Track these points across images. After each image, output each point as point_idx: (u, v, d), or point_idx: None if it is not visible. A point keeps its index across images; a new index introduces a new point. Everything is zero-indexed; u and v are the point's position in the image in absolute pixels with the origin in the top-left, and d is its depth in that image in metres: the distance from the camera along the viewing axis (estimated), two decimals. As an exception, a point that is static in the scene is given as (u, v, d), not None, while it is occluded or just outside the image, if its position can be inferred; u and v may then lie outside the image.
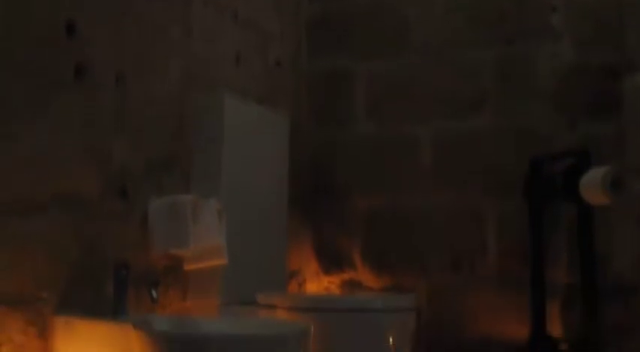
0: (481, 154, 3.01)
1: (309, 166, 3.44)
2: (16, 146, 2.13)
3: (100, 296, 2.27)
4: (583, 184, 2.51)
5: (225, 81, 2.93)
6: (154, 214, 2.48)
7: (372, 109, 3.38)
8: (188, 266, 2.58)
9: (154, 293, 2.28)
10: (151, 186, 2.54)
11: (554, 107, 2.87)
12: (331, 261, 3.42)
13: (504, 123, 2.96)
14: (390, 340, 2.56)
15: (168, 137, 2.66)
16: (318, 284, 3.43)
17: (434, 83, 3.19)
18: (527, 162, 2.80)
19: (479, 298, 2.94)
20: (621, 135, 2.58)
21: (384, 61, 3.34)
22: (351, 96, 3.45)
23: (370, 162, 3.35)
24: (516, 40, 3.01)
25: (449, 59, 3.17)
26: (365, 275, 3.31)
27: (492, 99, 3.02)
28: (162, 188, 2.57)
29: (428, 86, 3.21)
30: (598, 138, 2.71)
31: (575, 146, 2.74)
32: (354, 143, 3.41)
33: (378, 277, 3.26)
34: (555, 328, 2.74)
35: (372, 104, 3.38)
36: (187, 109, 2.74)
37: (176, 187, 2.63)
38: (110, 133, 2.43)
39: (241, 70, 3.03)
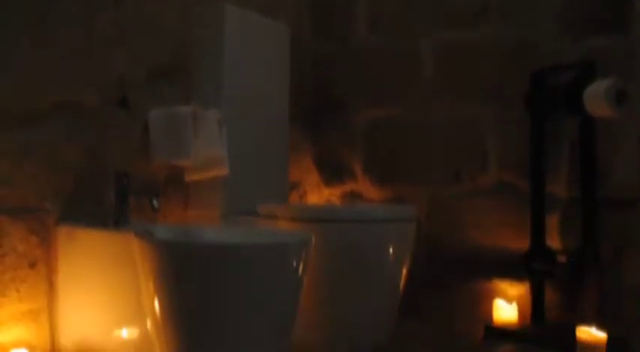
0: (483, 67, 2.97)
1: (310, 78, 3.41)
2: (16, 56, 2.12)
3: (102, 205, 2.28)
4: (586, 96, 2.49)
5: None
6: (154, 125, 2.47)
7: (373, 21, 3.33)
8: (189, 177, 2.59)
9: (155, 203, 2.29)
10: (152, 97, 2.52)
11: (559, 20, 2.81)
12: (332, 172, 3.43)
13: (508, 35, 2.91)
14: (390, 250, 2.58)
15: (169, 47, 2.63)
16: (319, 195, 3.45)
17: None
18: (529, 74, 2.77)
19: (479, 210, 2.95)
20: (629, 48, 2.54)
21: (386, -29, 3.28)
22: (352, 7, 3.39)
23: (371, 75, 3.32)
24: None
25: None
26: (365, 187, 3.32)
27: (496, 10, 2.96)
28: (163, 98, 2.55)
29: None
30: (603, 51, 2.67)
31: (580, 59, 2.71)
32: (355, 55, 3.37)
33: (379, 188, 3.27)
34: (554, 240, 2.75)
35: (373, 15, 3.33)
36: (188, 19, 2.70)
37: (177, 98, 2.61)
38: (110, 43, 2.40)
39: (241, -20, 2.98)
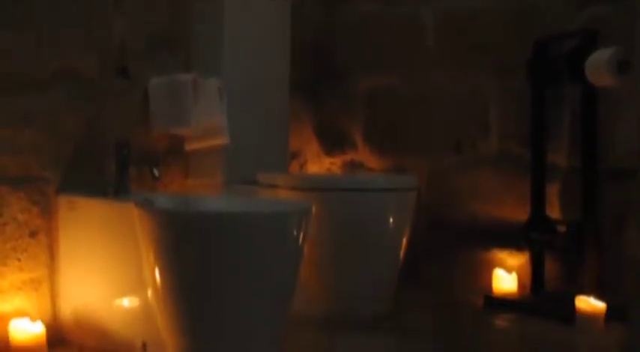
0: (485, 35, 2.95)
1: (310, 46, 3.39)
2: (16, 24, 2.10)
3: (102, 175, 2.28)
4: (588, 65, 2.47)
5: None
6: (154, 93, 2.46)
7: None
8: (189, 146, 2.58)
9: (156, 172, 2.29)
10: (152, 65, 2.51)
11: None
12: (333, 142, 3.42)
13: (509, 2, 2.89)
14: (390, 219, 2.59)
15: (169, 16, 2.61)
16: (320, 165, 3.44)
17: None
18: (531, 43, 2.75)
19: (479, 179, 2.95)
20: (631, 16, 2.52)
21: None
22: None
23: (372, 43, 3.30)
24: None
25: None
26: (366, 156, 3.31)
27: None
28: (163, 67, 2.54)
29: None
30: (606, 19, 2.65)
31: (582, 28, 2.69)
32: (356, 23, 3.35)
33: (380, 158, 3.27)
34: (554, 210, 2.76)
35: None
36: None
37: (177, 67, 2.60)
38: (110, 11, 2.39)
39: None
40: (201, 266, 1.77)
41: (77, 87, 2.27)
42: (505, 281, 2.77)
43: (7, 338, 2.02)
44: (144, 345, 2.03)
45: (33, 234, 2.16)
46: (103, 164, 2.29)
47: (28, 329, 2.02)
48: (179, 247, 1.82)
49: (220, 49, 2.70)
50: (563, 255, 2.73)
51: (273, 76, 2.97)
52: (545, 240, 2.71)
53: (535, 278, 2.73)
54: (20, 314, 2.08)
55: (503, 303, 2.69)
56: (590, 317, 2.36)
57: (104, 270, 2.12)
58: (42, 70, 2.17)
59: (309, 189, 2.56)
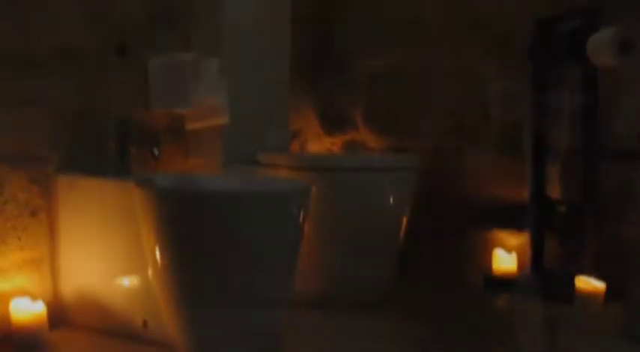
0: (487, 14, 2.94)
1: (311, 28, 3.37)
2: (14, 3, 2.09)
3: (103, 154, 2.28)
4: (590, 45, 2.46)
5: None
6: (154, 73, 2.45)
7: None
8: (189, 126, 2.58)
9: (156, 151, 2.29)
10: (152, 44, 2.50)
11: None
12: (333, 122, 3.42)
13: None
14: (391, 199, 2.59)
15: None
16: (320, 145, 3.44)
17: None
18: (533, 22, 2.73)
19: (479, 160, 2.94)
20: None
21: None
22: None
23: (373, 23, 3.28)
24: None
25: None
26: (367, 136, 3.31)
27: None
28: (163, 46, 2.53)
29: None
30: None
31: (584, 6, 2.67)
32: (356, 3, 3.33)
33: (380, 138, 3.26)
34: (554, 190, 2.75)
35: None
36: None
37: (177, 45, 2.59)
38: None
39: None
40: (202, 245, 1.77)
41: (77, 66, 2.26)
42: (505, 261, 2.78)
43: (9, 317, 2.03)
44: (144, 323, 2.04)
45: (33, 213, 2.16)
46: (104, 143, 2.29)
47: (29, 308, 2.03)
48: (179, 226, 1.82)
49: (221, 26, 2.69)
50: (563, 235, 2.73)
51: (274, 55, 2.96)
52: (546, 220, 2.71)
53: (535, 258, 2.74)
54: (21, 293, 2.09)
55: (503, 283, 2.70)
56: (589, 297, 2.37)
57: (105, 249, 2.13)
58: (42, 50, 2.16)
59: (309, 169, 2.56)
